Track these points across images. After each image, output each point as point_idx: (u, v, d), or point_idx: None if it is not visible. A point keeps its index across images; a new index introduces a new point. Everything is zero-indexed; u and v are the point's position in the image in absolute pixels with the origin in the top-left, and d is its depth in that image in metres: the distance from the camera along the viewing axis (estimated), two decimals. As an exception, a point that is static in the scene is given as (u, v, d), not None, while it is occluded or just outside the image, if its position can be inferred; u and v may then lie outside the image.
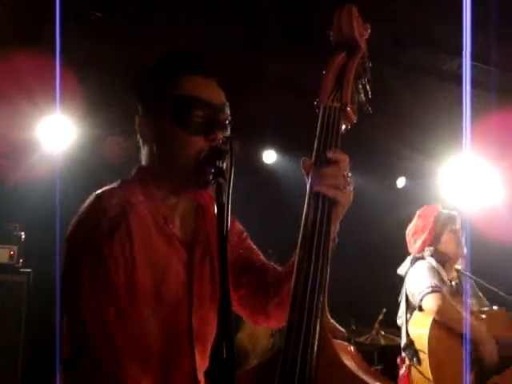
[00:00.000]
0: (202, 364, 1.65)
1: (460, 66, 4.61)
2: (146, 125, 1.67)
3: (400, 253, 3.95)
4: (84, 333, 1.45)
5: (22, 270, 5.06)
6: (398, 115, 5.41)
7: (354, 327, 5.80)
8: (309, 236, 1.40)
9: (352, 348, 1.38)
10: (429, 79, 5.23)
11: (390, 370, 5.68)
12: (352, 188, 1.49)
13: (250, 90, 5.08)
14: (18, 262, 5.06)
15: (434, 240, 3.80)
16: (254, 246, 1.89)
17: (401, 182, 7.15)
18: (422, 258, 3.78)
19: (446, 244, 3.81)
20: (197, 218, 1.74)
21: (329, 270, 1.38)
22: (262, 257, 1.87)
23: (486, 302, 3.82)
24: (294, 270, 1.38)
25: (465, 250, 3.84)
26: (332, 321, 1.36)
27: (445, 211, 3.90)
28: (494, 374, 3.43)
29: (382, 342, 5.65)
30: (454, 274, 3.83)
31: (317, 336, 1.29)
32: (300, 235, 1.42)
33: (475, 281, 3.86)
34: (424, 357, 3.43)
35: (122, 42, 4.39)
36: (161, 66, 1.70)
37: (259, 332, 5.69)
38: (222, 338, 1.21)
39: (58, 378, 1.43)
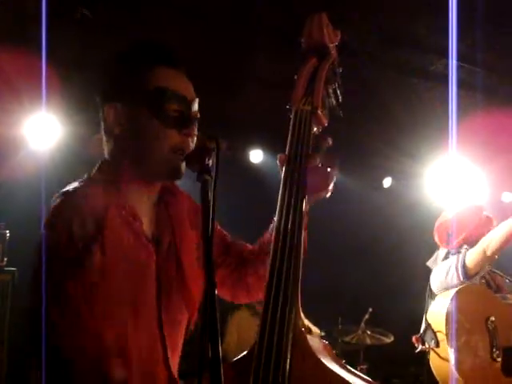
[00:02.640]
0: (174, 356, 1.65)
1: (446, 67, 4.64)
2: (117, 114, 1.63)
3: (386, 252, 3.96)
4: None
5: (6, 268, 5.02)
6: (384, 116, 5.43)
7: (340, 326, 5.82)
8: (281, 233, 1.44)
9: (327, 345, 1.41)
10: (415, 80, 5.26)
11: (376, 369, 5.71)
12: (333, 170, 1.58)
13: (238, 90, 5.08)
14: (2, 261, 5.03)
15: (473, 239, 3.85)
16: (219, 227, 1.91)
17: (387, 182, 7.18)
18: (459, 253, 3.82)
19: None
20: (161, 211, 1.72)
21: (302, 267, 1.41)
22: (229, 236, 1.92)
23: None
24: (268, 268, 1.40)
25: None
26: (305, 320, 1.39)
27: (485, 213, 4.00)
28: None
29: (368, 341, 5.68)
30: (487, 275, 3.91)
31: (290, 332, 1.32)
32: (274, 231, 1.46)
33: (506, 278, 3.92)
34: (442, 337, 3.36)
35: (109, 40, 4.37)
36: (135, 54, 1.68)
37: (245, 334, 5.64)
38: (207, 339, 1.20)
39: (44, 376, 1.42)
